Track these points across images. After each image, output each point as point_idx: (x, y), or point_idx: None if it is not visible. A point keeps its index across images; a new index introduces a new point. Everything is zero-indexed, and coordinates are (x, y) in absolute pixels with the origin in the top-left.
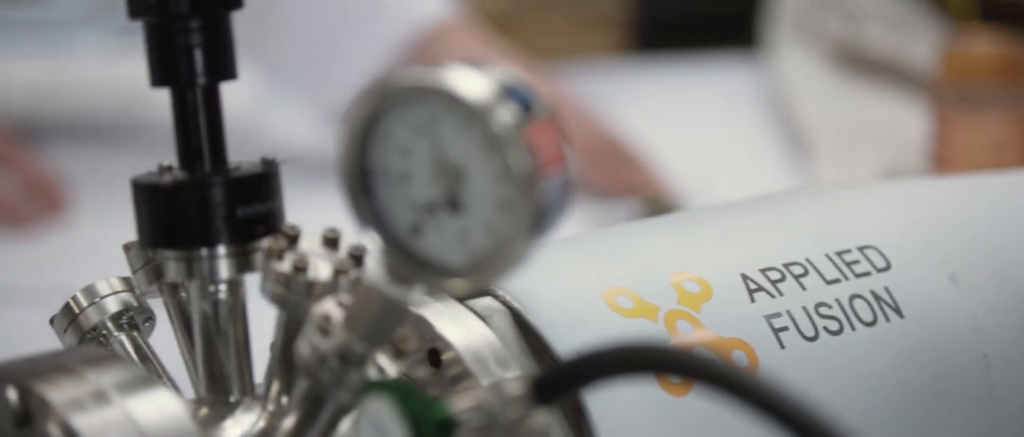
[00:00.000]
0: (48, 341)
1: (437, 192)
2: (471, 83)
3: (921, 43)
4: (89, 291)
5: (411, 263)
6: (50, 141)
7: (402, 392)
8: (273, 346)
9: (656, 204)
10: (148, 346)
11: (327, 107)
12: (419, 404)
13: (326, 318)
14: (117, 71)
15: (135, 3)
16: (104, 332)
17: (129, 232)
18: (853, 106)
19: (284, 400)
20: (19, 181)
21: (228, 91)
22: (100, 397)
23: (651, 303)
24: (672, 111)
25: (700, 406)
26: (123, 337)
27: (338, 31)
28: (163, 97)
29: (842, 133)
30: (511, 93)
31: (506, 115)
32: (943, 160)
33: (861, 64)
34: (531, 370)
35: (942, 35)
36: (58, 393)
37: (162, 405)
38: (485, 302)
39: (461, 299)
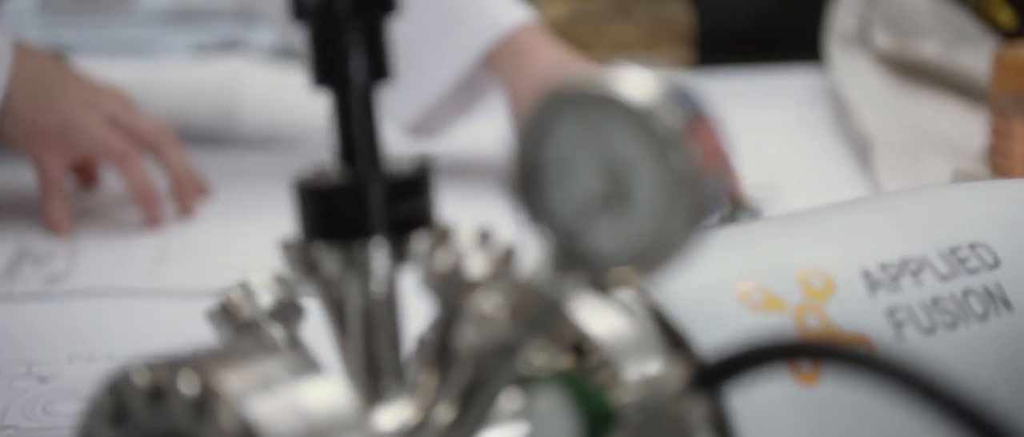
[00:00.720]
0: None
1: (603, 188)
2: (638, 85)
3: (971, 56)
4: (245, 286)
5: (574, 257)
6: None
7: (575, 383)
8: (423, 338)
9: (741, 208)
10: (299, 338)
11: (408, 117)
12: (592, 395)
13: (486, 312)
14: (201, 75)
15: (299, 5)
16: (259, 325)
17: (221, 231)
18: (909, 115)
19: (434, 390)
20: (167, 173)
21: (312, 100)
22: (267, 386)
23: (780, 298)
24: (736, 122)
25: (830, 396)
26: (276, 330)
27: (420, 43)
28: (249, 101)
29: (900, 142)
30: (676, 95)
31: (672, 116)
32: (1002, 164)
33: (914, 74)
34: (671, 362)
35: (992, 47)
36: (228, 382)
37: (326, 393)
38: (624, 295)
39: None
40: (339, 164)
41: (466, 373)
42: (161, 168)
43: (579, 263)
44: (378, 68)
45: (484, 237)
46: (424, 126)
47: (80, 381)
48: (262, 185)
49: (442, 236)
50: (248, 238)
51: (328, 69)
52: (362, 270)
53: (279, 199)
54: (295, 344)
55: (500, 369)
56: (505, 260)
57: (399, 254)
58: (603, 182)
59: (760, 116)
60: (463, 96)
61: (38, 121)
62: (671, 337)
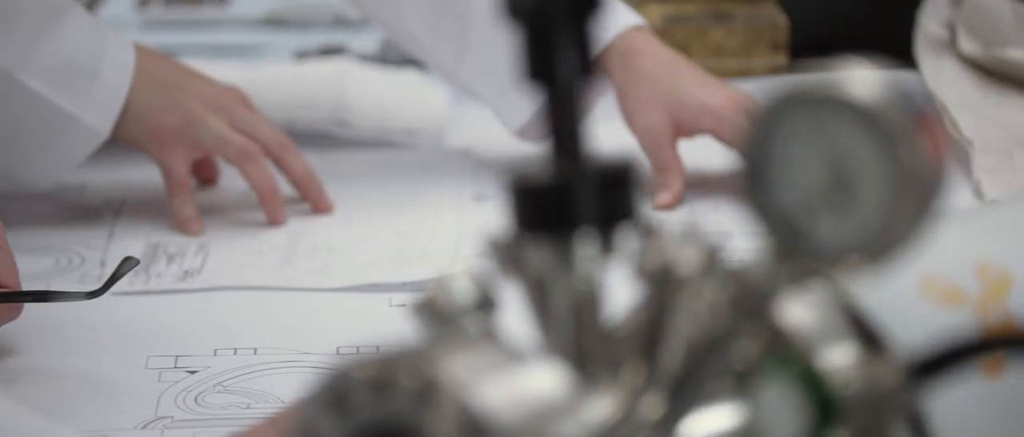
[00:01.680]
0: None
1: (827, 182)
2: (864, 84)
3: None
4: (447, 279)
5: (797, 249)
6: None
7: (804, 373)
8: (629, 330)
9: None
10: (498, 332)
11: (520, 122)
12: (821, 386)
13: (701, 304)
14: (310, 75)
15: (512, 4)
16: (461, 318)
17: (345, 230)
18: (1000, 117)
19: (642, 383)
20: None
21: (422, 100)
22: (487, 375)
23: (962, 292)
24: None
25: (1015, 387)
26: (477, 323)
27: None
28: (358, 101)
29: (995, 143)
30: (900, 92)
31: (899, 113)
32: None
33: (1001, 78)
34: (884, 356)
35: None
36: (449, 372)
37: (544, 380)
38: (821, 289)
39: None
40: (548, 159)
41: (677, 365)
42: (281, 173)
43: (798, 255)
44: (586, 65)
45: (690, 231)
46: (536, 132)
47: (228, 374)
48: (378, 184)
49: (649, 230)
50: (370, 236)
51: (538, 66)
52: (571, 263)
53: (397, 197)
54: (495, 337)
55: (712, 361)
56: (713, 254)
57: (606, 247)
58: (827, 177)
59: None
60: None
61: (161, 121)
62: (863, 331)
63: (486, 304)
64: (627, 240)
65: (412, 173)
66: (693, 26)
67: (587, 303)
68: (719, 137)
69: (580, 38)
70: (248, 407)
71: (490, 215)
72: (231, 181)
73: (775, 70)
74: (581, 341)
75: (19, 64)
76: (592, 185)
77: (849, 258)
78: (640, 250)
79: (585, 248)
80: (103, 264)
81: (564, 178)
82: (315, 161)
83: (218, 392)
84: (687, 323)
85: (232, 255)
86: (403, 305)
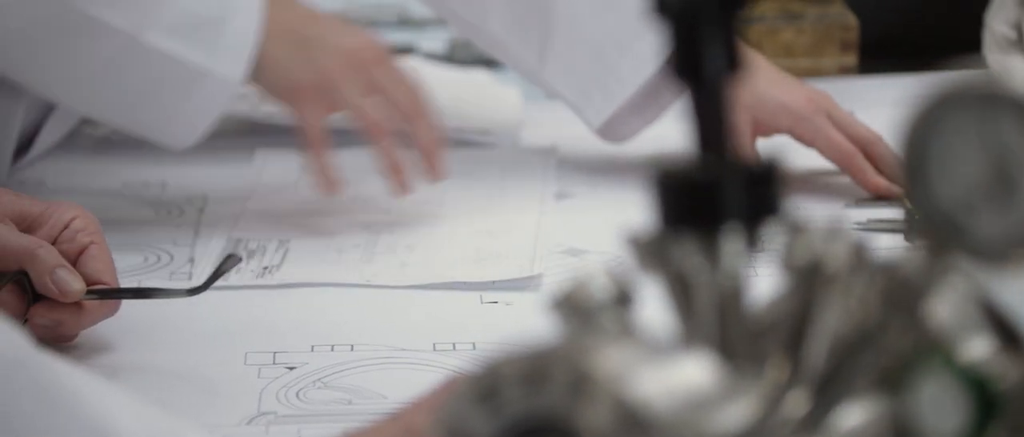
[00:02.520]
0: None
1: (988, 178)
2: None
3: None
4: (587, 274)
5: (951, 243)
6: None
7: (965, 368)
8: (774, 326)
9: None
10: (637, 327)
11: (599, 121)
12: (982, 380)
13: (852, 300)
14: None
15: (661, 1)
16: (600, 313)
17: (422, 229)
18: None
19: (787, 379)
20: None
21: (492, 98)
22: (639, 367)
23: None
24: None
25: None
26: (616, 318)
27: (611, 47)
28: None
29: None
30: None
31: None
32: None
33: None
34: (994, 346)
35: None
36: (602, 365)
37: (695, 372)
38: (958, 283)
39: None
40: (695, 155)
41: (824, 361)
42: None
43: (955, 249)
44: (733, 62)
45: (837, 227)
46: (613, 132)
47: (327, 370)
48: (457, 183)
49: (796, 225)
50: (450, 235)
51: (686, 63)
52: (717, 259)
53: (477, 196)
54: (634, 332)
55: (861, 357)
56: (861, 249)
57: (752, 243)
58: (988, 172)
59: None
60: (650, 101)
61: (296, 78)
62: (1001, 325)
63: (624, 300)
64: (774, 236)
65: (491, 172)
66: (764, 26)
67: (732, 298)
68: (797, 136)
69: (727, 35)
70: (350, 403)
71: (573, 214)
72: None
73: (845, 70)
74: (726, 337)
75: (143, 26)
76: (739, 181)
77: (1011, 253)
78: (788, 245)
79: (732, 244)
80: (192, 261)
81: (712, 174)
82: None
83: (319, 388)
84: (836, 318)
85: (312, 252)
86: (494, 302)
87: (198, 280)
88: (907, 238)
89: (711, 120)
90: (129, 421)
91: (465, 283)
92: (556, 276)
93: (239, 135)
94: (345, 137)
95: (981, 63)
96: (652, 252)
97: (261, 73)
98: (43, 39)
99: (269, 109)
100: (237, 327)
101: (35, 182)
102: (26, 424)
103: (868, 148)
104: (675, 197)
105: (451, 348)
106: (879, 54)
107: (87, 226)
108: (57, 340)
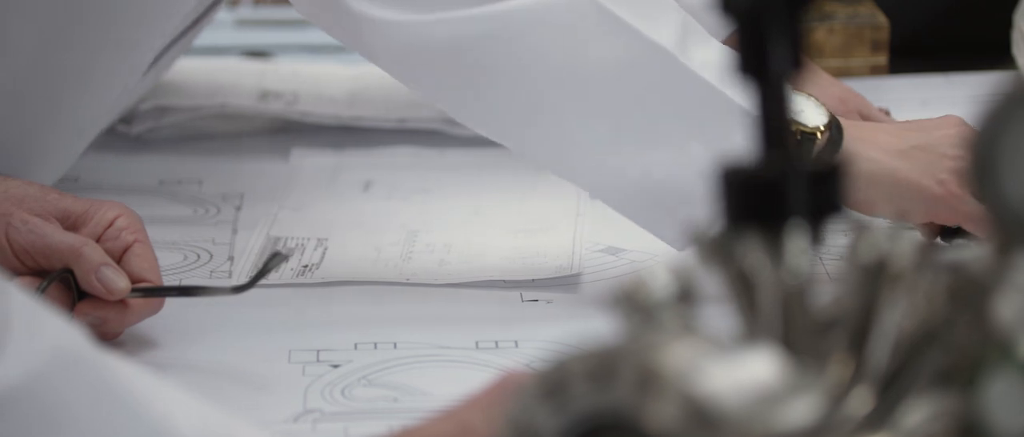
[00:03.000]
0: None
1: None
2: None
3: None
4: (649, 273)
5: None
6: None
7: None
8: (838, 323)
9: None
10: (699, 324)
11: None
12: None
13: (918, 298)
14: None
15: (729, 0)
16: (661, 311)
17: (460, 230)
18: None
19: (850, 377)
20: None
21: None
22: (705, 363)
23: None
24: None
25: None
26: (678, 315)
27: None
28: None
29: None
30: None
31: None
32: None
33: None
34: None
35: None
36: (669, 361)
37: (761, 368)
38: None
39: None
40: (759, 152)
41: (889, 358)
42: None
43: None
44: (797, 60)
45: (900, 225)
46: None
47: (371, 367)
48: (493, 181)
49: (861, 223)
50: (487, 233)
51: (751, 61)
52: (781, 256)
53: (513, 194)
54: (696, 329)
55: (927, 354)
56: (926, 247)
57: (816, 240)
58: None
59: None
60: None
61: None
62: None
63: (686, 297)
64: (839, 233)
65: (528, 170)
66: None
67: (796, 296)
68: None
69: (792, 33)
70: (396, 400)
71: (610, 212)
72: (350, 173)
73: (875, 70)
74: (789, 334)
75: None
76: (804, 178)
77: None
78: (853, 243)
79: (796, 241)
80: (231, 259)
81: (776, 171)
82: (428, 158)
83: (364, 386)
84: (901, 316)
85: (351, 251)
86: (535, 300)
87: (239, 278)
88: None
89: (775, 118)
90: (187, 418)
91: (505, 281)
92: (595, 274)
93: (273, 133)
94: (380, 136)
95: (1011, 63)
96: (715, 250)
97: None
98: None
99: (304, 108)
100: (279, 325)
101: (70, 179)
102: (86, 421)
103: None
104: (739, 195)
105: (494, 346)
106: (909, 54)
107: (131, 224)
108: (101, 338)
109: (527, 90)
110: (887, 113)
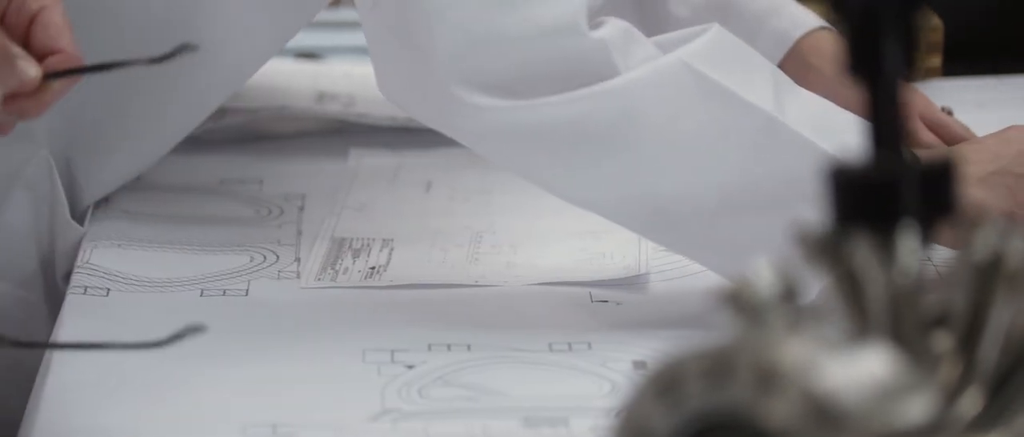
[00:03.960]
0: None
1: None
2: None
3: None
4: (752, 271)
5: None
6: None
7: None
8: (946, 323)
9: None
10: (805, 323)
11: None
12: None
13: None
14: None
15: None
16: (768, 310)
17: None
18: None
19: (959, 378)
20: None
21: None
22: (821, 359)
23: None
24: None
25: None
26: (785, 314)
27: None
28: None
29: None
30: None
31: None
32: None
33: None
34: None
35: None
36: (787, 358)
37: (876, 364)
38: None
39: None
40: (870, 152)
41: (1000, 359)
42: None
43: None
44: (910, 61)
45: (1012, 225)
46: None
47: (447, 368)
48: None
49: (973, 223)
50: (552, 235)
51: (863, 61)
52: (892, 256)
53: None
54: (803, 328)
55: None
56: None
57: (927, 241)
58: None
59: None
60: None
61: None
62: None
63: (791, 296)
64: (950, 233)
65: None
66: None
67: (907, 296)
68: None
69: (907, 34)
70: (474, 400)
71: None
72: (410, 174)
73: (929, 72)
74: (898, 333)
75: None
76: (915, 178)
77: None
78: (965, 242)
79: (907, 241)
80: (298, 260)
81: (889, 171)
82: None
83: (441, 386)
84: (1015, 315)
85: (417, 252)
86: (604, 301)
87: (307, 280)
88: None
89: (887, 118)
90: None
91: (573, 282)
92: (662, 275)
93: (331, 134)
94: (437, 137)
95: None
96: (823, 249)
97: None
98: None
99: (361, 109)
100: (351, 327)
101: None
102: None
103: None
104: (850, 194)
105: (567, 348)
106: (963, 56)
107: None
108: (21, 120)
109: (627, 164)
110: (949, 112)
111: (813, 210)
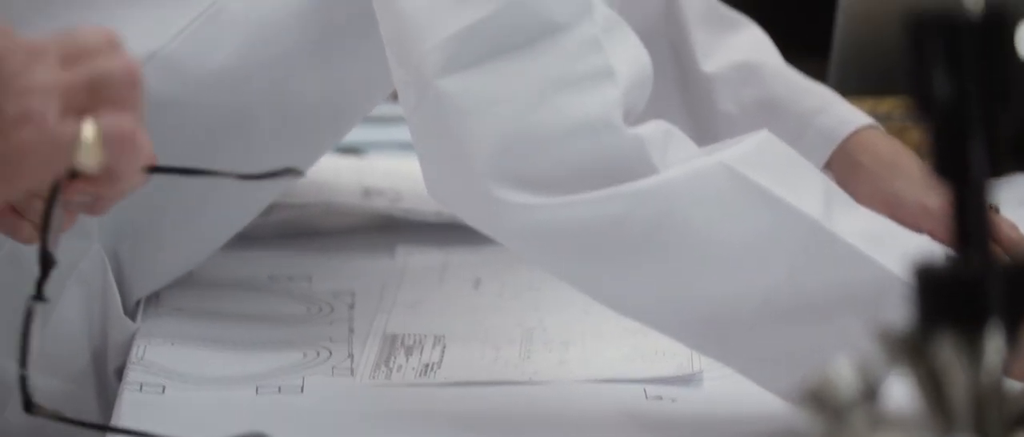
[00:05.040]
0: None
1: None
2: None
3: None
4: (832, 369)
5: None
6: None
7: None
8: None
9: None
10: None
11: None
12: None
13: None
14: None
15: (924, 98)
16: (849, 408)
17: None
18: None
19: None
20: None
21: None
22: None
23: None
24: None
25: None
26: (865, 413)
27: None
28: None
29: None
30: None
31: None
32: None
33: None
34: None
35: None
36: None
37: None
38: None
39: None
40: (956, 252)
41: None
42: None
43: None
44: (996, 162)
45: None
46: None
47: None
48: None
49: None
50: (604, 331)
51: (949, 162)
52: (978, 356)
53: None
54: (885, 427)
55: None
56: None
57: (1013, 340)
58: None
59: None
60: None
61: None
62: None
63: (873, 395)
64: None
65: None
66: (891, 125)
67: (992, 395)
68: (937, 238)
69: (993, 135)
70: None
71: None
72: (458, 271)
73: None
74: (984, 433)
75: None
76: (1002, 278)
77: None
78: None
79: (994, 341)
80: (351, 356)
81: (974, 271)
82: None
83: None
84: None
85: (469, 349)
86: (659, 398)
87: (362, 377)
88: None
89: (973, 219)
90: None
91: (627, 379)
92: (716, 372)
93: (378, 230)
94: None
95: None
96: (906, 348)
97: None
98: None
99: (408, 205)
100: (409, 423)
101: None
102: None
103: (1015, 250)
104: (936, 294)
105: None
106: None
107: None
108: (95, 210)
109: (668, 268)
110: (996, 209)
111: (863, 323)
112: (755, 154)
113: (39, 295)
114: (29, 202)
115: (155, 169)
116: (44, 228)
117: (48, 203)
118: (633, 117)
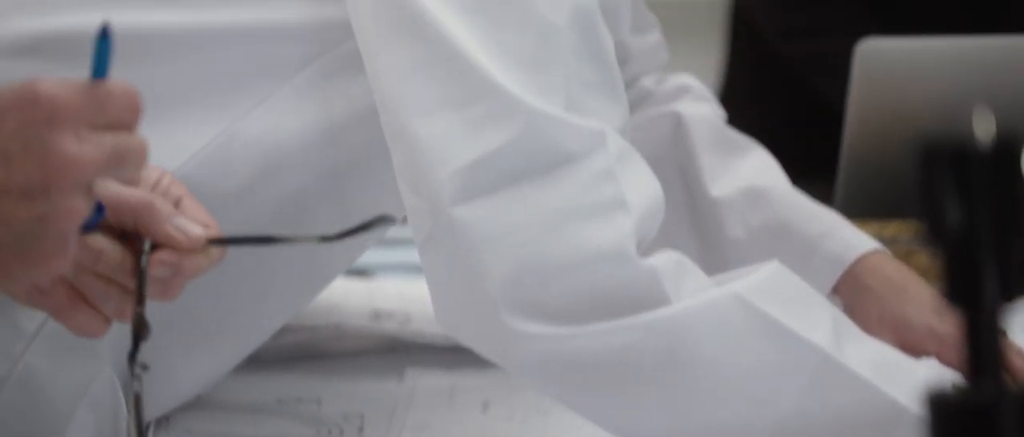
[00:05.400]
0: None
1: None
2: None
3: None
4: None
5: None
6: None
7: None
8: None
9: None
10: None
11: None
12: None
13: None
14: None
15: (936, 226)
16: None
17: None
18: None
19: None
20: None
21: None
22: None
23: None
24: None
25: None
26: None
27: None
28: None
29: None
30: None
31: None
32: None
33: None
34: None
35: None
36: None
37: None
38: None
39: None
40: (969, 380)
41: None
42: None
43: None
44: (1008, 290)
45: None
46: None
47: None
48: None
49: None
50: None
51: (962, 290)
52: None
53: None
54: None
55: None
56: None
57: None
58: None
59: None
60: None
61: None
62: None
63: None
64: None
65: None
66: (897, 248)
67: None
68: (945, 362)
69: (1005, 262)
70: None
71: None
72: (467, 394)
73: None
74: None
75: None
76: (1016, 406)
77: None
78: None
79: None
80: None
81: (988, 399)
82: None
83: None
84: None
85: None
86: None
87: None
88: None
89: (986, 346)
90: None
91: None
92: None
93: (386, 352)
94: None
95: None
96: None
97: None
98: None
99: (417, 327)
100: None
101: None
102: None
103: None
104: (950, 421)
105: None
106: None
107: (174, 180)
108: (170, 288)
109: (680, 397)
110: (1005, 335)
111: None
112: (766, 285)
113: (133, 358)
114: (83, 280)
115: (224, 241)
116: (139, 291)
117: (139, 270)
118: (645, 246)
